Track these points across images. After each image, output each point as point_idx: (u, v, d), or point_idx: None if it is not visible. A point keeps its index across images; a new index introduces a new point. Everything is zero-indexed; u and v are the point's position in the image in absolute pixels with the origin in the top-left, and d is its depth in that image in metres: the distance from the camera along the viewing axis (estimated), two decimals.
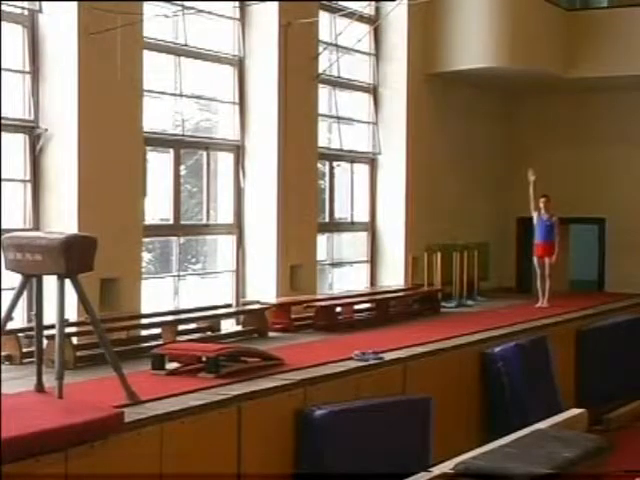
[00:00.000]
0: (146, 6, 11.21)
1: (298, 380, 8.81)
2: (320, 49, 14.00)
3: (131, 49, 10.68)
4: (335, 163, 15.44)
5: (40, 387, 7.61)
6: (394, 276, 15.82)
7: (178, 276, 12.50)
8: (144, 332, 10.86)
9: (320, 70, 13.99)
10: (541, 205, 15.25)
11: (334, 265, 15.54)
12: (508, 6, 15.88)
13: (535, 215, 15.34)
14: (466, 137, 17.42)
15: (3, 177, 10.29)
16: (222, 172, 13.33)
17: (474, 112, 17.60)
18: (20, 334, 9.39)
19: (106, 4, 9.85)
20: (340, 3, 14.77)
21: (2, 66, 10.07)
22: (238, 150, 13.27)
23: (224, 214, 13.29)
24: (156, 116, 12.09)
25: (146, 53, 11.23)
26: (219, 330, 11.57)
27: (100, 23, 9.91)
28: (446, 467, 7.94)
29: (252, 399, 8.16)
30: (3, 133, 10.19)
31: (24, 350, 9.33)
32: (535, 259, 15.45)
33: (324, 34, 14.35)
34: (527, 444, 8.54)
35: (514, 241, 18.82)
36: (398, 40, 15.75)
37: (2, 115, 10.08)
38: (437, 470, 7.92)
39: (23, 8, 10.23)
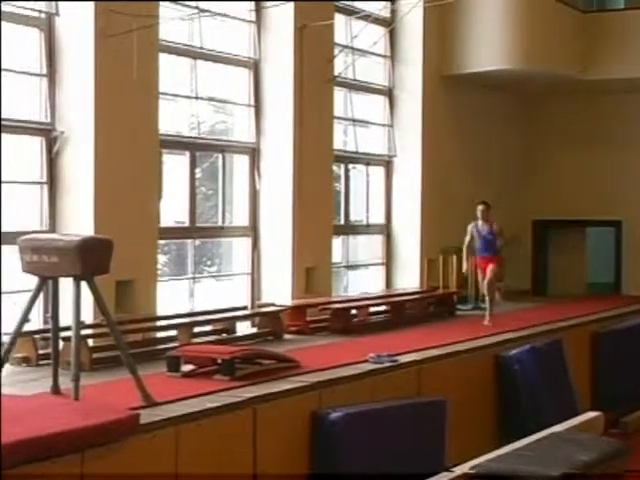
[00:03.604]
0: (162, 9, 11.23)
1: (313, 382, 8.81)
2: (336, 51, 14.01)
3: (147, 52, 10.70)
4: (350, 165, 15.44)
5: (56, 389, 7.63)
6: (409, 278, 15.80)
7: (194, 278, 12.52)
8: (160, 334, 10.88)
9: (336, 72, 13.99)
10: (478, 214, 13.26)
11: (349, 267, 15.54)
12: (524, 8, 15.86)
13: (471, 227, 13.34)
14: (482, 139, 17.39)
15: (20, 179, 10.37)
16: (237, 174, 13.34)
17: (490, 114, 17.57)
18: (36, 336, 9.42)
19: (122, 6, 9.87)
20: (356, 5, 14.78)
21: (19, 70, 10.14)
22: (254, 152, 13.28)
23: (239, 216, 13.30)
24: (172, 119, 12.11)
25: (162, 56, 11.26)
26: (234, 332, 11.58)
27: (116, 26, 9.94)
28: (462, 470, 7.92)
29: (267, 401, 8.15)
30: (21, 136, 10.26)
31: (40, 352, 9.35)
32: (478, 271, 13.60)
33: (339, 37, 14.35)
34: (543, 447, 8.50)
35: (530, 243, 18.78)
36: (414, 42, 15.75)
37: (20, 118, 10.15)
38: (459, 470, 7.89)
39: (40, 11, 10.27)
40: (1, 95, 8.41)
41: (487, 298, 13.36)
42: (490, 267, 13.18)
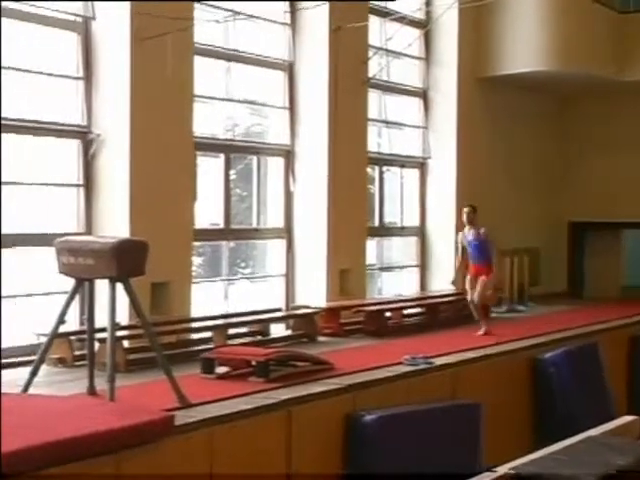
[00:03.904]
0: (197, 11, 11.28)
1: (348, 385, 8.81)
2: (370, 53, 14.00)
3: (182, 54, 10.75)
4: (385, 167, 15.42)
5: (92, 390, 7.68)
6: (444, 281, 15.73)
7: (228, 280, 12.55)
8: (194, 336, 10.91)
9: (370, 74, 13.98)
10: (464, 219, 12.38)
11: (383, 269, 15.51)
12: (560, 9, 15.76)
13: (459, 236, 12.53)
14: (517, 141, 17.30)
15: (57, 182, 10.45)
16: (272, 176, 13.37)
17: (525, 115, 17.48)
18: (72, 337, 9.49)
19: (157, 9, 9.91)
20: (390, 7, 14.76)
21: (56, 73, 10.22)
22: (288, 154, 13.30)
23: (274, 218, 13.32)
24: (207, 121, 12.15)
25: (197, 58, 11.30)
26: (269, 334, 11.60)
27: (152, 29, 9.99)
28: (504, 470, 7.86)
29: (302, 403, 8.16)
30: (58, 139, 10.34)
31: (76, 353, 9.42)
32: (468, 281, 12.42)
33: (374, 38, 14.34)
34: (578, 451, 8.44)
35: (565, 245, 18.66)
36: (449, 44, 15.70)
37: (57, 121, 10.23)
38: (501, 470, 7.84)
39: (76, 15, 10.34)
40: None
41: (475, 313, 12.40)
42: (480, 280, 12.19)
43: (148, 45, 10.07)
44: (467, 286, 12.39)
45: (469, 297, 12.37)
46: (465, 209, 12.45)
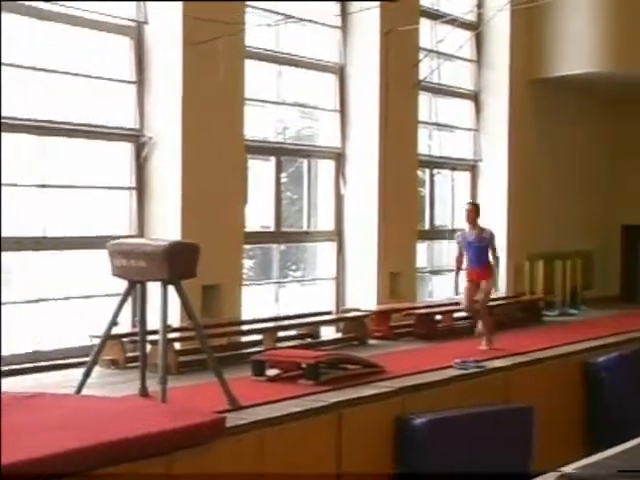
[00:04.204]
0: (248, 15, 11.33)
1: (398, 388, 8.79)
2: (421, 56, 13.97)
3: (234, 58, 10.80)
4: (435, 170, 15.37)
5: (144, 391, 7.74)
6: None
7: (278, 283, 12.59)
8: (245, 338, 10.95)
9: (421, 77, 13.95)
10: (464, 217, 11.47)
11: (434, 272, 15.46)
12: (614, 9, 15.59)
13: (459, 236, 11.47)
14: (570, 143, 17.15)
15: (110, 185, 10.55)
16: (323, 179, 13.38)
17: (578, 117, 17.32)
18: (125, 339, 9.57)
19: (209, 13, 9.97)
20: (441, 9, 14.73)
21: (110, 77, 10.32)
22: (339, 157, 13.31)
23: (324, 221, 13.33)
24: (258, 124, 12.20)
25: (248, 62, 11.35)
26: (319, 337, 11.61)
27: (203, 33, 10.05)
28: (551, 477, 7.80)
29: (352, 406, 8.16)
30: (110, 142, 10.43)
31: (128, 355, 9.50)
32: (466, 288, 11.44)
33: (425, 41, 14.31)
34: (633, 457, 8.34)
35: (618, 249, 18.46)
36: (500, 46, 15.62)
37: (110, 124, 10.32)
38: (568, 469, 7.76)
39: (130, 20, 10.44)
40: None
41: (479, 323, 11.55)
42: (482, 285, 11.28)
43: (200, 49, 10.14)
44: (464, 293, 11.48)
45: (464, 304, 11.49)
46: (466, 206, 11.52)
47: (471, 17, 15.37)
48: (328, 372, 9.02)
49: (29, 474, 5.44)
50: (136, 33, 10.52)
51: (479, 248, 11.26)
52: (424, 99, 14.68)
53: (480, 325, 11.54)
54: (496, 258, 11.51)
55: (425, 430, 8.52)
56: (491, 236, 11.39)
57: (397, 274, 13.44)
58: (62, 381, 8.39)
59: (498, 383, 9.91)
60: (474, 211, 11.31)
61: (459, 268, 11.45)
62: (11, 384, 8.37)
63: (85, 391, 7.63)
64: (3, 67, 9.26)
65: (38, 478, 5.48)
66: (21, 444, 5.78)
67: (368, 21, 12.96)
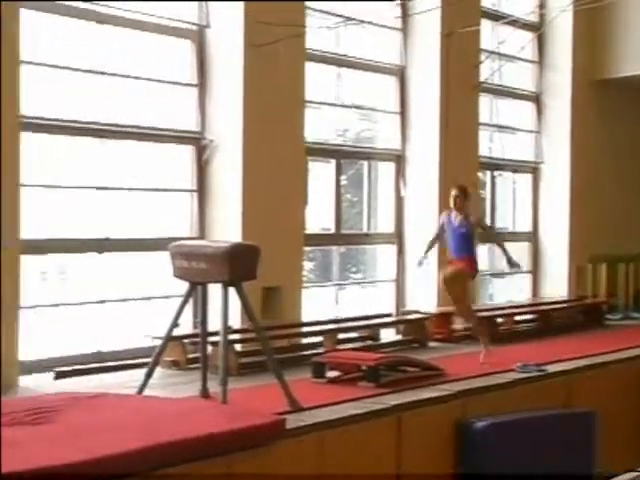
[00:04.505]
0: (309, 17, 11.36)
1: (458, 391, 8.74)
2: (482, 57, 13.89)
3: (294, 60, 10.85)
4: (496, 172, 15.27)
5: (205, 392, 7.78)
6: (557, 287, 15.51)
7: (338, 285, 12.59)
8: (305, 340, 10.97)
9: (482, 79, 13.87)
10: (450, 202, 10.38)
11: (495, 275, 15.36)
12: None
13: (442, 218, 10.54)
14: (633, 144, 16.92)
15: (172, 187, 10.64)
16: (382, 181, 13.37)
17: (636, 117, 17.07)
18: (186, 340, 9.64)
19: (270, 16, 10.01)
20: (503, 10, 14.63)
21: (171, 80, 10.41)
22: (399, 159, 13.28)
23: (384, 223, 13.32)
24: (318, 126, 12.23)
25: (308, 64, 11.37)
26: (379, 339, 11.59)
27: (264, 36, 10.09)
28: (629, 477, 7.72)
29: (412, 409, 8.13)
30: (172, 145, 10.53)
31: (190, 356, 9.56)
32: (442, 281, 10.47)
33: (486, 42, 14.22)
34: None
35: None
36: (563, 47, 15.46)
37: (171, 127, 10.41)
38: None
39: (192, 23, 10.52)
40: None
41: (476, 329, 10.51)
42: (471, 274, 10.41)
43: (261, 51, 10.18)
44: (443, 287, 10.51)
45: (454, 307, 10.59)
46: (452, 191, 10.34)
47: (533, 18, 15.26)
48: (388, 374, 9.00)
49: (90, 474, 5.48)
50: (198, 36, 10.60)
51: (463, 235, 10.21)
52: (485, 101, 14.60)
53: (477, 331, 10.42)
54: (491, 228, 10.63)
55: (486, 434, 8.47)
56: (478, 219, 10.52)
57: None
58: (126, 381, 8.47)
59: (559, 387, 9.82)
60: (463, 197, 10.24)
61: (430, 248, 10.57)
62: (76, 384, 8.49)
63: (147, 391, 7.69)
64: (68, 72, 9.42)
65: (99, 478, 5.53)
66: (82, 444, 5.84)
67: (429, 23, 12.92)
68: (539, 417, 9.09)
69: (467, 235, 10.22)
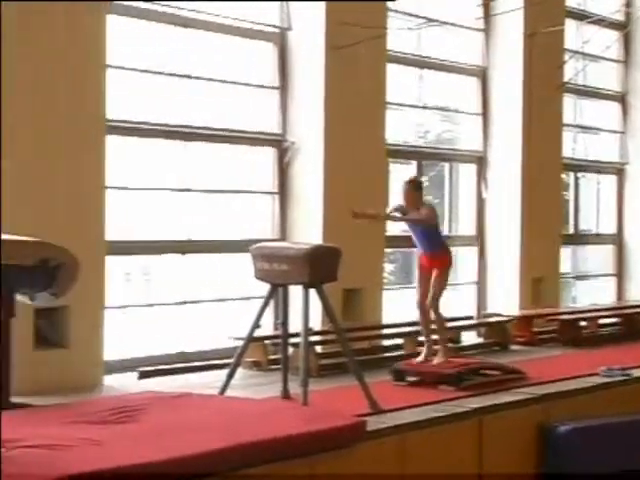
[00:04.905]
0: (390, 19, 11.33)
1: (541, 395, 8.65)
2: (566, 57, 13.71)
3: (375, 62, 10.85)
4: (580, 173, 15.08)
5: (286, 393, 7.81)
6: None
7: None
8: (385, 342, 10.95)
9: (565, 79, 13.69)
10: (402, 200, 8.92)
11: (578, 278, 15.16)
12: None
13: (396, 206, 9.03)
14: None
15: (254, 189, 10.71)
16: (464, 183, 13.28)
17: None
18: (267, 341, 9.69)
19: (352, 18, 10.02)
20: (588, 10, 14.44)
21: (254, 83, 10.49)
22: (480, 161, 13.19)
23: (465, 225, 13.23)
24: (399, 128, 12.20)
25: (389, 65, 11.35)
26: (460, 342, 11.52)
27: (346, 37, 10.10)
28: None
29: (493, 412, 8.06)
30: (254, 147, 10.60)
31: (271, 357, 9.61)
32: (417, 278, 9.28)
33: (570, 42, 14.05)
34: None
35: None
36: None
37: (248, 129, 10.49)
38: None
39: (274, 26, 10.58)
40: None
41: (423, 327, 9.22)
42: (434, 275, 8.95)
43: (342, 53, 10.19)
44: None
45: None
46: (403, 184, 8.94)
47: (619, 16, 15.01)
48: (469, 378, 8.94)
49: (172, 474, 5.54)
50: (280, 39, 10.66)
51: (422, 232, 8.92)
52: (569, 101, 14.42)
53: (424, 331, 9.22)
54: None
55: (569, 438, 8.37)
56: (428, 214, 8.83)
57: (540, 279, 13.23)
58: (209, 382, 8.54)
59: None
60: (413, 190, 8.84)
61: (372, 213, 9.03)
62: (159, 384, 8.59)
63: (228, 392, 7.76)
64: (152, 75, 9.55)
65: (181, 478, 5.59)
66: (164, 443, 5.90)
67: (511, 23, 12.80)
68: (624, 421, 8.95)
69: (426, 231, 8.91)
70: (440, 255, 9.03)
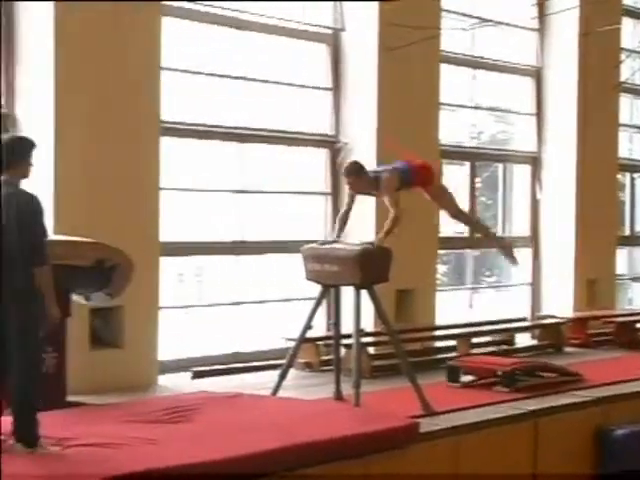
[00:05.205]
0: (443, 19, 11.28)
1: (597, 397, 8.57)
2: (622, 57, 13.55)
3: (429, 63, 10.81)
4: (636, 174, 14.90)
5: (339, 395, 7.79)
6: None
7: (472, 289, 12.47)
8: (438, 344, 10.89)
9: (622, 78, 13.53)
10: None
11: (634, 280, 14.98)
12: None
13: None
14: None
15: (306, 190, 10.71)
16: (518, 184, 13.18)
17: None
18: (319, 342, 9.69)
19: (404, 19, 9.98)
20: None
21: (307, 84, 10.49)
22: (535, 161, 13.09)
23: (520, 226, 13.14)
24: (452, 129, 12.14)
25: (443, 66, 11.30)
26: (514, 344, 11.43)
27: (399, 38, 10.06)
28: None
29: (549, 415, 8.00)
30: (307, 148, 10.60)
31: (323, 358, 9.61)
32: None
33: (627, 41, 13.89)
34: None
35: None
36: None
37: (301, 130, 10.49)
38: None
39: (327, 27, 10.58)
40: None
41: None
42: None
43: (395, 54, 10.15)
44: None
45: None
46: (345, 176, 8.05)
47: None
48: (524, 380, 8.87)
49: (225, 473, 5.57)
50: (333, 40, 10.65)
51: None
52: (625, 101, 14.25)
53: None
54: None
55: (626, 442, 8.27)
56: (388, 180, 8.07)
57: (595, 280, 13.09)
58: (263, 382, 8.54)
59: None
60: (355, 175, 8.00)
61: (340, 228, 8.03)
62: (212, 384, 8.62)
63: (281, 393, 7.77)
64: (207, 77, 9.59)
65: (235, 477, 5.61)
66: (218, 443, 5.94)
67: (566, 22, 12.68)
68: None
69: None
70: None
